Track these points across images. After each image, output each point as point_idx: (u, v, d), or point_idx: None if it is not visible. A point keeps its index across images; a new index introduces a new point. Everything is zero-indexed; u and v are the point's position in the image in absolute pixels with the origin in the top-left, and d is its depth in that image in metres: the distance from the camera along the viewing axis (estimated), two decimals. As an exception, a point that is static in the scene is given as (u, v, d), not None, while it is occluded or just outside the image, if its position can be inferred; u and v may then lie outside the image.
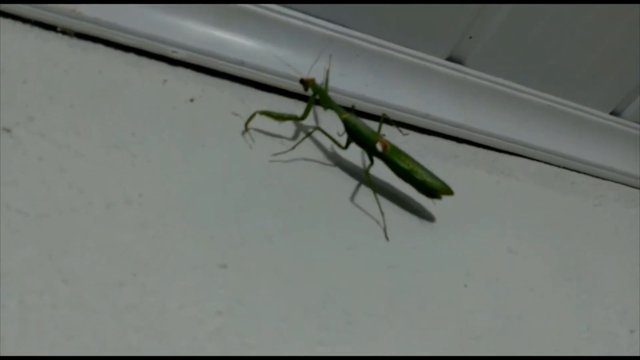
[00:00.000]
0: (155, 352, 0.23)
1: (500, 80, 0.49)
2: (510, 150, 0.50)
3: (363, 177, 0.38)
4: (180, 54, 0.41)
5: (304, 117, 0.38)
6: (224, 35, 0.42)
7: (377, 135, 0.37)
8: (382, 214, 0.36)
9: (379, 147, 0.37)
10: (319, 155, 0.40)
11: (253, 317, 0.26)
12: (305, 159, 0.38)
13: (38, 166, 0.28)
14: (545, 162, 0.50)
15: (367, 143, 0.37)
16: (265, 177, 0.35)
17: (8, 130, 0.29)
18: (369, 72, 0.46)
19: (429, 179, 0.36)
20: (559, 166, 0.51)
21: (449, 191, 0.36)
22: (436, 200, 0.37)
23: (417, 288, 0.32)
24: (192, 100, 0.38)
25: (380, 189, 0.39)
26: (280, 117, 0.37)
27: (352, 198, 0.37)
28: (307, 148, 0.39)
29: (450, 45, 0.47)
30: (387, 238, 0.34)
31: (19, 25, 0.37)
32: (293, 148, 0.37)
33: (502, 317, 0.33)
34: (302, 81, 0.39)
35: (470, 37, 0.47)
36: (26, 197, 0.26)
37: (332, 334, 0.27)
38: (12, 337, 0.21)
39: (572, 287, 0.37)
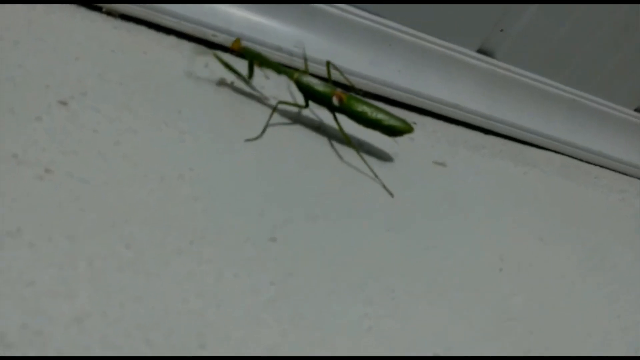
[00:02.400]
0: (216, 318, 0.24)
1: (528, 73, 0.50)
2: (536, 142, 0.50)
3: (342, 138, 0.37)
4: (219, 38, 0.41)
5: (249, 76, 0.37)
6: (263, 20, 0.43)
7: (332, 89, 0.37)
8: (378, 178, 0.36)
9: (335, 101, 0.36)
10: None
11: (303, 290, 0.27)
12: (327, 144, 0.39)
13: (94, 138, 0.29)
14: (570, 156, 0.51)
15: (323, 99, 0.37)
16: (305, 159, 0.36)
17: (64, 103, 0.30)
18: (401, 61, 0.46)
19: (391, 122, 0.36)
20: (582, 160, 0.52)
21: (409, 129, 0.37)
22: (465, 187, 0.38)
23: (455, 270, 0.33)
24: (232, 83, 0.39)
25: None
26: (231, 69, 0.36)
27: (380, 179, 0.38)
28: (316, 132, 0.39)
29: (481, 37, 0.48)
30: (391, 194, 0.35)
31: (66, 6, 0.38)
32: (263, 131, 0.35)
33: (536, 301, 0.34)
34: (232, 51, 0.37)
35: (501, 30, 0.47)
36: (85, 167, 0.27)
37: (377, 309, 0.28)
38: (84, 296, 0.22)
39: (600, 278, 0.38)
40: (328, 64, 0.40)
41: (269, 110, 0.37)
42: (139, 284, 0.23)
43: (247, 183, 0.31)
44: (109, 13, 0.39)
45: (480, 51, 0.48)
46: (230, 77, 0.39)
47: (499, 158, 0.45)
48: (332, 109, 0.37)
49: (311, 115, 0.39)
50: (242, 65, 0.38)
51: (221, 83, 0.38)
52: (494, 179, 0.43)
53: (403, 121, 0.37)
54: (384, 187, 0.36)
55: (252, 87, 0.39)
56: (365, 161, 0.38)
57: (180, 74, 0.37)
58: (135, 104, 0.33)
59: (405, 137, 0.44)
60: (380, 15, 0.45)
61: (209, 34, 0.41)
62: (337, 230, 0.31)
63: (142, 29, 0.39)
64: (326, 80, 0.39)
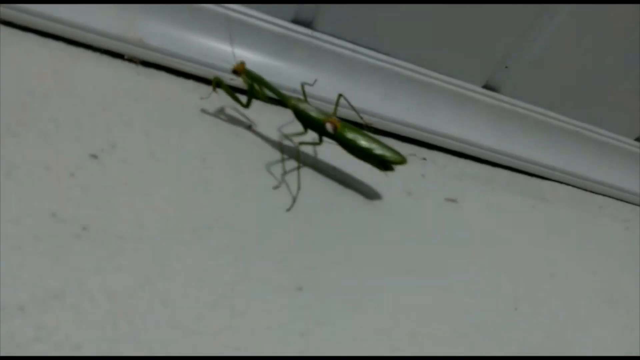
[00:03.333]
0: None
1: (532, 107, 0.51)
2: (541, 174, 0.52)
3: (293, 151, 0.37)
4: (238, 81, 0.43)
5: (247, 104, 0.38)
6: (276, 63, 0.44)
7: (327, 116, 0.37)
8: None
9: (328, 127, 0.37)
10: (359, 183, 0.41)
11: (331, 338, 0.28)
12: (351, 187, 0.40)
13: (125, 191, 0.30)
14: (574, 186, 0.53)
15: (316, 125, 0.37)
16: (325, 203, 0.37)
17: (95, 157, 0.31)
18: (410, 98, 0.48)
19: (382, 152, 0.36)
20: (586, 190, 0.53)
21: (402, 160, 0.37)
22: (477, 223, 0.39)
23: (472, 310, 0.34)
24: (250, 127, 0.40)
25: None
26: (232, 96, 0.37)
27: (398, 219, 0.39)
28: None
29: (486, 74, 0.50)
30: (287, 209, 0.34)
31: (90, 53, 0.39)
32: (298, 171, 0.36)
33: (552, 339, 0.35)
34: (234, 71, 0.38)
35: (505, 67, 0.49)
36: (120, 222, 0.28)
37: (403, 354, 0.29)
38: (129, 355, 0.23)
39: (612, 311, 0.39)
40: (339, 96, 0.40)
41: (286, 152, 0.38)
42: (177, 340, 0.24)
43: (270, 230, 0.32)
44: (131, 60, 0.41)
45: (486, 87, 0.50)
46: (249, 122, 0.40)
47: (507, 191, 0.47)
48: (327, 136, 0.38)
49: (326, 158, 0.40)
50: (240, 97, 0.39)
51: (240, 125, 0.39)
52: (504, 214, 0.44)
53: (396, 152, 0.37)
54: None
55: (253, 123, 0.40)
56: (379, 201, 0.39)
57: (201, 118, 0.38)
58: (162, 154, 0.34)
59: (417, 172, 0.46)
60: (390, 54, 0.47)
61: (227, 78, 0.42)
62: (359, 275, 0.33)
63: (162, 75, 0.41)
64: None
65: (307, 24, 0.45)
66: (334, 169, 0.40)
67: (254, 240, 0.31)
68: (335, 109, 0.40)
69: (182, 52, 0.41)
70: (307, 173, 0.38)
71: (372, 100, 0.47)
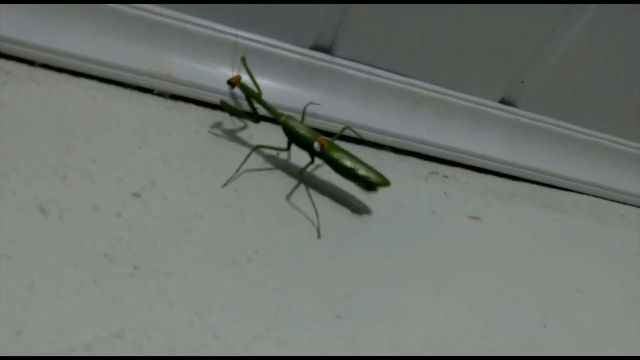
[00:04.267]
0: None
1: (549, 119, 0.52)
2: (562, 185, 0.52)
3: (298, 177, 0.39)
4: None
5: (256, 118, 0.40)
6: (297, 90, 0.46)
7: (315, 135, 0.39)
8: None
9: (316, 146, 0.38)
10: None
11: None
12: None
13: (168, 228, 0.31)
14: (595, 196, 0.53)
15: (305, 143, 0.39)
16: (352, 227, 0.38)
17: (137, 195, 0.33)
18: (429, 117, 0.49)
19: (368, 174, 0.37)
20: (607, 199, 0.54)
21: (386, 183, 0.38)
22: (501, 239, 0.40)
23: (501, 330, 0.35)
24: (278, 154, 0.42)
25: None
26: (240, 113, 0.39)
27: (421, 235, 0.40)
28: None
29: (502, 89, 0.50)
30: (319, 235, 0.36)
31: (122, 90, 0.41)
32: (238, 170, 0.37)
33: (583, 355, 0.35)
34: (229, 82, 0.39)
35: (521, 82, 0.50)
36: (166, 259, 0.29)
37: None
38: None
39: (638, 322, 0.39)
40: (345, 128, 0.42)
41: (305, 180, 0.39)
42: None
43: (304, 258, 0.34)
44: (160, 94, 0.43)
45: (502, 102, 0.51)
46: (277, 150, 0.41)
47: (529, 205, 0.48)
48: (314, 154, 0.39)
49: (350, 189, 0.41)
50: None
51: (266, 154, 0.40)
52: (527, 228, 0.45)
53: (380, 175, 0.38)
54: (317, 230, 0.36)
55: (278, 151, 0.41)
56: (405, 221, 0.40)
57: (230, 148, 0.40)
58: (197, 188, 0.35)
59: (440, 191, 0.47)
60: (407, 75, 0.48)
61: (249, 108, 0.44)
62: (391, 297, 0.34)
63: (191, 107, 0.42)
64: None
65: (326, 50, 0.47)
66: (360, 192, 0.41)
67: (290, 270, 0.32)
68: (337, 135, 0.41)
69: (208, 84, 0.43)
70: (331, 198, 0.40)
71: (391, 121, 0.48)
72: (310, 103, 0.43)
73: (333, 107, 0.46)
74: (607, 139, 0.54)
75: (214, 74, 0.44)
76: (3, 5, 0.39)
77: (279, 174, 0.39)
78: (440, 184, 0.47)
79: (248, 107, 0.41)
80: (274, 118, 0.40)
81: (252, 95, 0.39)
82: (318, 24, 0.45)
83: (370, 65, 0.47)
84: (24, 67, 0.38)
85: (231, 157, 0.39)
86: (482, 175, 0.50)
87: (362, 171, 0.38)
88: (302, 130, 0.39)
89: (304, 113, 0.41)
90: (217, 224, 0.33)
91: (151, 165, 0.35)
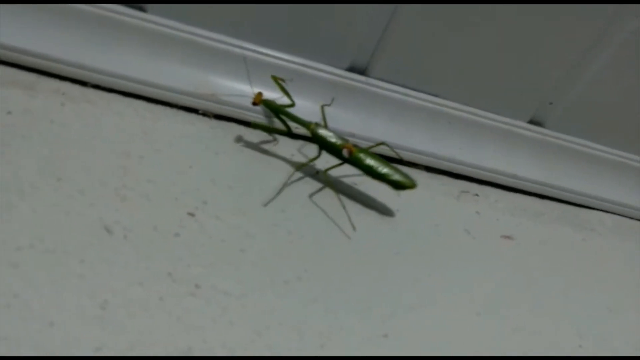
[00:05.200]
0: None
1: (576, 139, 0.53)
2: (588, 204, 0.53)
3: (322, 178, 0.41)
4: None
5: (288, 131, 0.42)
6: (333, 110, 0.47)
7: (343, 142, 0.41)
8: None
9: (345, 153, 0.40)
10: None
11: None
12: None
13: (223, 248, 0.33)
14: (619, 215, 0.54)
15: (333, 150, 0.41)
16: (392, 244, 0.39)
17: (192, 215, 0.34)
18: (461, 137, 0.50)
19: (395, 177, 0.40)
20: (631, 217, 0.55)
21: (412, 184, 0.41)
22: (533, 259, 0.42)
23: (540, 350, 0.36)
24: (317, 173, 0.43)
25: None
26: (270, 129, 0.42)
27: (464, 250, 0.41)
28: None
29: (531, 110, 0.52)
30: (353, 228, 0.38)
31: (168, 110, 0.42)
32: (280, 191, 0.38)
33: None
34: (254, 103, 0.40)
35: (550, 103, 0.51)
36: (224, 278, 0.31)
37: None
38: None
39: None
40: (380, 143, 0.44)
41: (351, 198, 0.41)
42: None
43: (350, 277, 0.35)
44: (205, 114, 0.44)
45: (531, 122, 0.52)
46: (318, 167, 0.42)
47: (558, 224, 0.49)
48: (342, 159, 0.41)
49: (389, 203, 0.43)
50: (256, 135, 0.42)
51: (308, 174, 0.42)
52: (557, 248, 0.46)
53: (407, 176, 0.41)
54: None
55: (319, 170, 0.42)
56: (443, 241, 0.41)
57: (274, 167, 0.41)
58: (247, 207, 0.37)
59: (472, 210, 0.48)
60: (439, 95, 0.49)
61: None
62: (434, 319, 0.35)
63: (234, 126, 0.44)
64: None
65: (362, 72, 0.48)
66: (398, 209, 0.42)
67: (338, 289, 0.34)
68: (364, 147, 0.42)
69: (247, 104, 0.44)
70: (371, 214, 0.41)
71: (423, 140, 0.49)
72: (324, 105, 0.43)
73: (368, 127, 0.48)
74: (633, 159, 0.55)
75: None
76: (59, 30, 0.41)
77: (323, 191, 0.41)
78: (472, 203, 0.48)
79: (279, 122, 0.42)
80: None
81: (277, 110, 0.41)
82: (355, 46, 0.47)
83: (403, 86, 0.49)
84: (77, 88, 0.40)
85: (275, 174, 0.40)
86: (512, 194, 0.51)
87: (390, 175, 0.40)
88: (332, 139, 0.41)
89: (323, 116, 0.42)
90: (267, 243, 0.35)
91: (202, 186, 0.37)
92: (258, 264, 0.33)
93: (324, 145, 0.41)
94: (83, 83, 0.41)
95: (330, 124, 0.48)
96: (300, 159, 0.43)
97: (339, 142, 0.41)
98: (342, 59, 0.47)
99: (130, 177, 0.35)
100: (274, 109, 0.41)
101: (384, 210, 0.42)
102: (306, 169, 0.42)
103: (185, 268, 0.30)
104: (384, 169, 0.40)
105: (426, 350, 0.32)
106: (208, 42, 0.44)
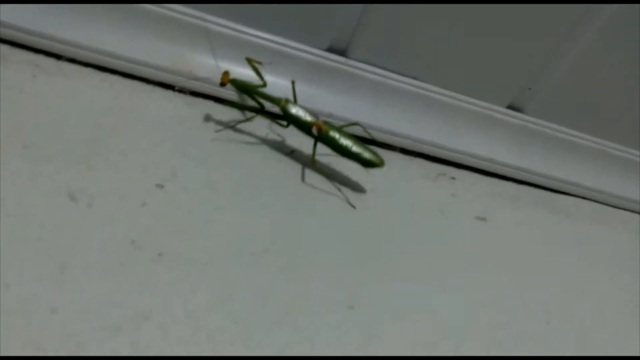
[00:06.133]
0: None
1: (555, 126, 0.53)
2: (565, 190, 0.54)
3: (310, 166, 0.41)
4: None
5: (263, 110, 0.41)
6: (311, 90, 0.47)
7: (313, 119, 0.41)
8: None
9: (314, 131, 0.41)
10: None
11: (383, 352, 0.30)
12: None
13: (190, 218, 0.33)
14: (597, 201, 0.55)
15: (303, 128, 0.41)
16: (365, 221, 0.39)
17: (161, 187, 0.34)
18: (439, 120, 0.50)
19: (365, 154, 0.40)
20: (609, 205, 0.55)
21: (381, 162, 0.41)
22: (506, 240, 0.42)
23: (507, 325, 0.36)
24: (292, 152, 0.43)
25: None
26: (240, 106, 0.41)
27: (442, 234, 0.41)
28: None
29: (510, 95, 0.52)
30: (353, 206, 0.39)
31: (144, 86, 0.42)
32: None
33: (584, 353, 0.37)
34: (221, 84, 0.40)
35: (529, 89, 0.51)
36: (189, 247, 0.31)
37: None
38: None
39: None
40: (353, 123, 0.43)
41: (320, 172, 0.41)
42: (251, 356, 0.27)
43: (319, 249, 0.35)
44: (181, 91, 0.44)
45: (510, 107, 0.53)
46: (292, 147, 0.43)
47: (533, 208, 0.49)
48: (312, 137, 0.41)
49: (363, 182, 0.43)
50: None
51: (282, 152, 0.42)
52: (531, 230, 0.47)
53: (376, 154, 0.41)
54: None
55: (294, 149, 0.42)
56: (417, 220, 0.41)
57: (248, 145, 0.41)
58: (218, 181, 0.37)
59: (448, 192, 0.49)
60: (418, 78, 0.49)
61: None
62: (402, 291, 0.35)
63: (210, 104, 0.44)
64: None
65: (341, 52, 0.48)
66: (372, 190, 0.43)
67: (306, 260, 0.34)
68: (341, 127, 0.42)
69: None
70: (341, 193, 0.41)
71: (401, 123, 0.50)
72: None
73: (346, 108, 0.48)
74: (610, 146, 0.56)
75: (234, 73, 0.45)
76: (34, 3, 0.40)
77: (297, 167, 0.41)
78: (448, 185, 0.48)
79: (251, 100, 0.42)
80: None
81: (246, 89, 0.41)
82: (335, 27, 0.47)
83: (383, 68, 0.49)
84: (52, 61, 0.40)
85: (250, 153, 0.40)
86: (488, 178, 0.51)
87: (359, 153, 0.41)
88: (302, 116, 0.41)
89: (294, 91, 0.41)
90: (236, 216, 0.35)
91: (173, 159, 0.37)
92: (225, 235, 0.33)
93: (294, 122, 0.41)
94: (58, 56, 0.40)
95: (308, 104, 0.47)
96: (274, 137, 0.43)
97: (308, 119, 0.41)
98: (322, 39, 0.47)
99: (100, 147, 0.34)
100: (243, 88, 0.41)
101: (357, 189, 0.42)
102: (281, 147, 0.42)
103: (149, 236, 0.30)
104: (353, 147, 0.40)
105: (390, 324, 0.32)
106: (186, 19, 0.43)
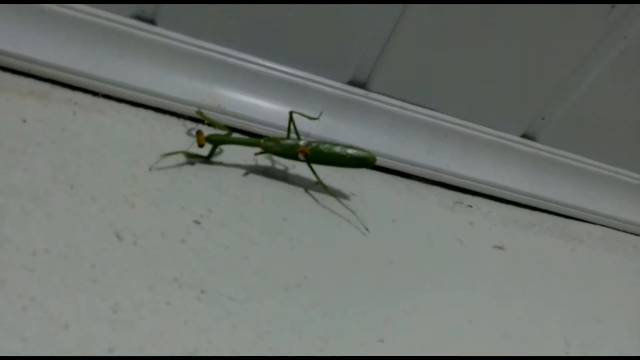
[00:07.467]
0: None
1: (567, 154, 0.55)
2: (578, 216, 0.56)
3: (324, 192, 0.41)
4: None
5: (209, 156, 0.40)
6: (332, 122, 0.49)
7: (296, 147, 0.41)
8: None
9: (301, 157, 0.41)
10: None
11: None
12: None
13: (227, 254, 0.34)
14: (608, 227, 0.56)
15: (290, 157, 0.42)
16: (388, 253, 0.41)
17: (198, 222, 0.36)
18: (455, 149, 0.52)
19: (360, 154, 0.41)
20: (620, 230, 0.57)
21: (374, 158, 0.42)
22: (524, 269, 0.43)
23: (527, 355, 0.37)
24: (317, 183, 0.45)
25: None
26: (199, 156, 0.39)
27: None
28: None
29: (524, 125, 0.54)
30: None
31: (175, 120, 0.44)
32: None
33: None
34: (200, 146, 0.39)
35: (542, 118, 0.53)
36: (228, 284, 0.32)
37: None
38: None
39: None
40: (290, 113, 0.42)
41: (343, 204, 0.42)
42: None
43: (348, 284, 0.37)
44: (211, 125, 0.45)
45: (523, 136, 0.54)
46: (316, 176, 0.43)
47: (548, 235, 0.51)
48: (303, 161, 0.42)
49: (385, 213, 0.44)
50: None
51: (307, 184, 0.43)
52: (547, 258, 0.48)
53: (365, 151, 0.42)
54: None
55: (319, 180, 0.42)
56: (436, 250, 0.43)
57: (276, 178, 0.42)
58: (249, 215, 0.38)
59: (465, 220, 0.50)
60: (436, 110, 0.51)
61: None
62: (429, 326, 0.36)
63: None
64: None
65: (362, 86, 0.50)
66: (394, 219, 0.44)
67: (336, 295, 0.35)
68: (294, 131, 0.42)
69: (255, 116, 0.46)
70: (369, 221, 0.42)
71: (419, 153, 0.51)
72: (294, 112, 0.43)
73: (366, 139, 0.49)
74: (621, 172, 0.57)
75: (260, 107, 0.47)
76: (73, 42, 0.42)
77: (322, 199, 0.42)
78: (465, 214, 0.50)
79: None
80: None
81: (225, 141, 0.41)
82: (356, 61, 0.48)
83: (402, 100, 0.50)
84: (89, 98, 0.42)
85: (278, 186, 0.42)
86: (504, 206, 0.53)
87: (353, 153, 0.41)
88: (284, 148, 0.41)
89: (291, 120, 0.42)
90: (268, 250, 0.36)
91: (207, 194, 0.38)
92: (260, 271, 0.34)
93: (280, 155, 0.42)
94: (94, 93, 0.42)
95: (329, 136, 0.49)
96: (300, 171, 0.44)
97: (290, 149, 0.41)
98: (343, 72, 0.49)
99: (139, 185, 0.36)
100: (221, 141, 0.41)
101: (381, 219, 0.44)
102: (308, 180, 0.44)
103: (191, 273, 0.32)
104: (346, 152, 0.41)
105: (419, 355, 0.34)
106: (214, 55, 0.45)
